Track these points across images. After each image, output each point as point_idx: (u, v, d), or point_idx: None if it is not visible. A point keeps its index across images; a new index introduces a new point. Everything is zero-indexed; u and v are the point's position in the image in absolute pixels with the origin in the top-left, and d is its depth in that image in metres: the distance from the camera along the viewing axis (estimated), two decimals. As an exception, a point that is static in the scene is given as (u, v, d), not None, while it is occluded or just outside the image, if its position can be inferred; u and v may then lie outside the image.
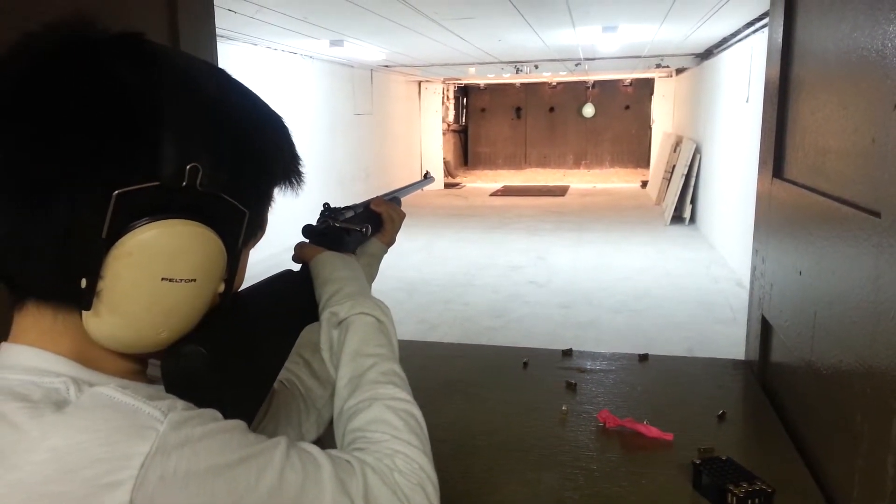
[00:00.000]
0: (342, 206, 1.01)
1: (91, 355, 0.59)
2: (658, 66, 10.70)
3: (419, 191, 1.43)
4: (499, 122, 16.97)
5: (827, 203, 1.23)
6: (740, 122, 6.62)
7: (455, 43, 7.54)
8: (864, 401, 1.01)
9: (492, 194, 13.12)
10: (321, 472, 0.57)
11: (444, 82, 14.19)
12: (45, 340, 0.58)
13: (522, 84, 15.94)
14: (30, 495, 0.48)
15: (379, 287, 0.98)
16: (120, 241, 0.54)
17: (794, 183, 1.48)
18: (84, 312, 0.56)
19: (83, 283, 0.54)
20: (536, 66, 10.58)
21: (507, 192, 13.50)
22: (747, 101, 6.32)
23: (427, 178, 1.46)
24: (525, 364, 1.74)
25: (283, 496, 0.54)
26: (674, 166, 9.86)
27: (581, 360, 1.77)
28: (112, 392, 0.53)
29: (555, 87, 16.17)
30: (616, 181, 14.79)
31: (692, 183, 9.13)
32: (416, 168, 13.38)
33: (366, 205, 1.05)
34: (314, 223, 0.97)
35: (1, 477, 0.48)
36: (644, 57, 9.47)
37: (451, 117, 15.67)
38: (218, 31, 1.67)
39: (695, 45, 8.10)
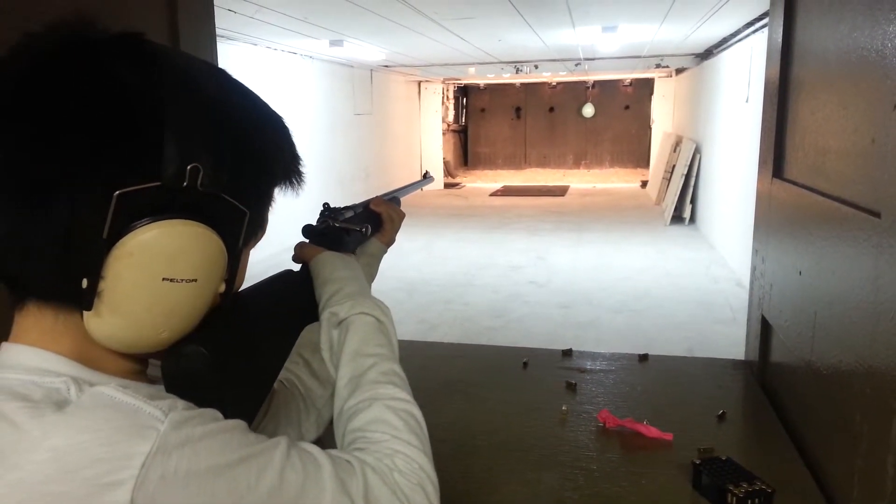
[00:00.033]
0: (342, 206, 1.01)
1: (92, 355, 0.59)
2: (658, 66, 10.71)
3: (419, 191, 1.43)
4: (498, 122, 16.97)
5: (827, 203, 1.23)
6: (740, 122, 6.62)
7: (455, 43, 7.54)
8: (864, 401, 1.01)
9: (492, 194, 13.12)
10: (321, 471, 0.57)
11: (443, 82, 14.19)
12: (45, 340, 0.58)
13: (522, 84, 15.95)
14: (30, 495, 0.48)
15: (379, 287, 0.98)
16: (121, 241, 0.54)
17: (794, 183, 1.48)
18: (85, 312, 0.56)
19: (84, 283, 0.54)
20: (536, 66, 10.58)
21: (506, 192, 13.50)
22: (747, 101, 6.32)
23: (426, 177, 1.46)
24: (525, 364, 1.74)
25: (283, 496, 0.55)
26: (674, 166, 9.86)
27: (581, 360, 1.77)
28: (113, 392, 0.53)
29: (555, 87, 16.17)
30: (616, 181, 14.79)
31: (692, 183, 9.14)
32: (415, 168, 13.38)
33: (365, 205, 1.05)
34: (314, 223, 0.97)
35: (1, 476, 0.48)
36: (644, 57, 9.47)
37: (450, 117, 15.67)
38: (218, 31, 1.67)
39: (695, 45, 8.10)
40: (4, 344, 0.60)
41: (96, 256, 0.54)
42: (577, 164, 16.60)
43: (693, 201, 9.15)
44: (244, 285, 0.73)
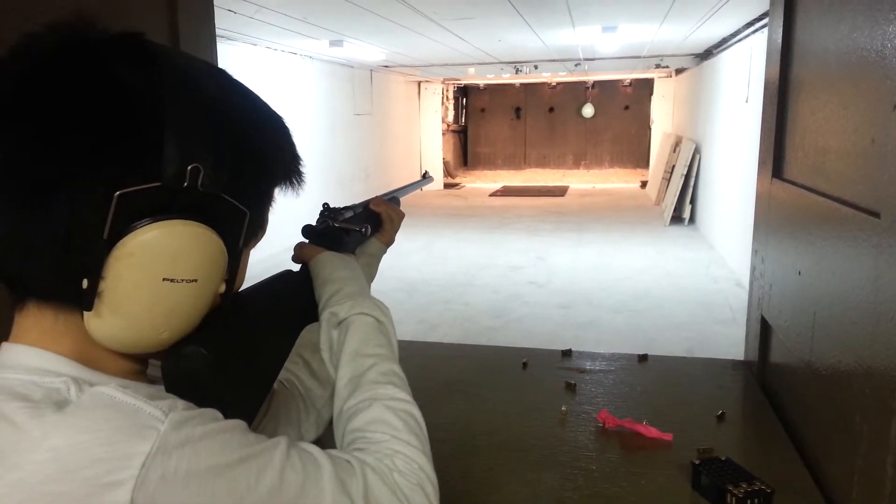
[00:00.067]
0: (341, 206, 1.01)
1: (92, 355, 0.59)
2: (658, 66, 10.71)
3: (418, 191, 1.43)
4: (498, 123, 16.97)
5: (826, 203, 1.23)
6: (740, 123, 6.62)
7: (455, 43, 7.54)
8: (864, 401, 1.01)
9: (491, 194, 13.12)
10: (321, 471, 0.57)
11: (443, 82, 14.19)
12: (46, 340, 0.58)
13: (522, 84, 15.95)
14: (31, 495, 0.48)
15: (379, 287, 0.98)
16: (121, 241, 0.54)
17: (794, 183, 1.48)
18: (85, 313, 0.56)
19: (84, 283, 0.54)
20: (536, 67, 10.58)
21: (506, 192, 13.50)
22: (747, 102, 6.32)
23: (426, 177, 1.46)
24: (525, 364, 1.74)
25: (283, 496, 0.55)
26: (673, 166, 9.86)
27: (581, 360, 1.77)
28: (113, 392, 0.53)
29: (554, 87, 16.18)
30: (615, 181, 14.80)
31: (692, 183, 9.14)
32: (415, 168, 13.38)
33: (365, 205, 1.05)
34: (313, 223, 0.97)
35: (1, 476, 0.48)
36: (644, 57, 9.47)
37: (450, 117, 15.67)
38: (218, 31, 1.67)
39: (694, 45, 8.10)
40: (4, 344, 0.60)
41: (97, 257, 0.54)
42: (576, 164, 16.61)
43: (693, 201, 9.15)
44: (244, 285, 0.73)
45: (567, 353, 1.80)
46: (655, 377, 1.67)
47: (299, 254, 0.90)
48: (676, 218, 9.25)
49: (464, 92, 16.47)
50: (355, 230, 0.97)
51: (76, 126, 0.53)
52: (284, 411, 0.87)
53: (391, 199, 1.13)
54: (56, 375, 0.55)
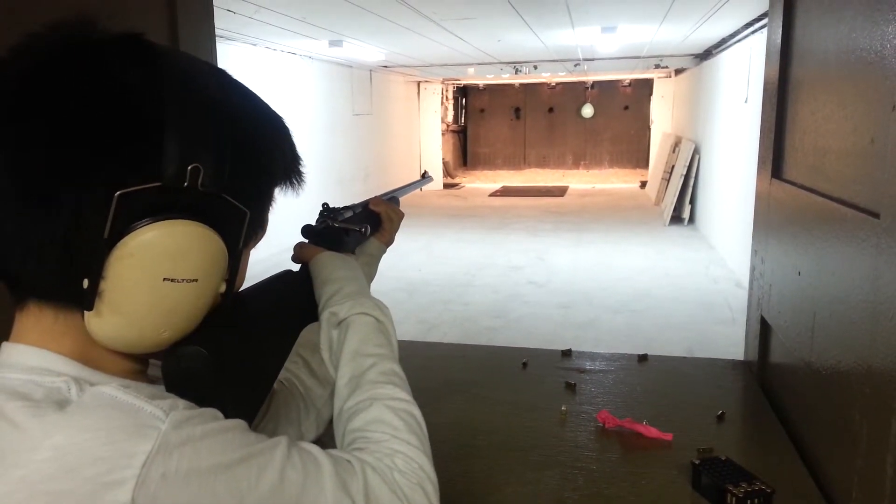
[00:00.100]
0: (341, 206, 1.01)
1: (93, 355, 0.59)
2: (657, 66, 10.71)
3: (418, 191, 1.43)
4: (498, 123, 16.97)
5: (826, 203, 1.23)
6: (739, 123, 6.62)
7: (454, 43, 7.54)
8: (864, 401, 1.01)
9: (491, 195, 13.13)
10: (322, 471, 0.57)
11: (443, 83, 14.20)
12: (46, 340, 0.58)
13: (521, 84, 15.95)
14: (32, 493, 0.48)
15: (379, 287, 0.98)
16: (122, 241, 0.54)
17: (794, 183, 1.48)
18: (86, 312, 0.56)
19: (85, 283, 0.54)
20: (535, 67, 10.59)
21: (506, 192, 13.50)
22: (746, 102, 6.33)
23: (425, 177, 1.46)
24: (525, 364, 1.75)
25: (283, 495, 0.55)
26: (673, 166, 9.87)
27: (580, 360, 1.77)
28: (114, 391, 0.53)
29: (554, 87, 16.18)
30: (615, 181, 14.80)
31: (691, 183, 9.14)
32: (415, 168, 13.38)
33: (364, 205, 1.05)
34: (313, 223, 0.97)
35: (3, 475, 0.48)
36: (643, 57, 9.47)
37: (450, 118, 15.67)
38: (217, 32, 1.67)
39: (694, 45, 8.11)
40: (5, 344, 0.60)
41: (97, 256, 0.54)
42: (576, 164, 16.61)
43: (692, 202, 9.15)
44: (244, 285, 0.73)
45: (567, 353, 1.80)
46: (655, 377, 1.67)
47: (299, 254, 0.90)
48: (676, 218, 9.25)
49: (463, 92, 16.48)
50: (355, 230, 0.97)
51: (77, 126, 0.53)
52: (284, 411, 0.87)
53: (391, 199, 1.13)
54: (57, 375, 0.56)
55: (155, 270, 0.56)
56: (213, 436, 0.53)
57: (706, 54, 8.82)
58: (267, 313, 0.75)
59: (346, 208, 1.01)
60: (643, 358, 1.78)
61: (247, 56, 7.02)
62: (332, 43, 7.08)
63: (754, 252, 1.75)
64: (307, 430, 0.88)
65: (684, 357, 1.92)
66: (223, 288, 0.63)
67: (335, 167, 9.20)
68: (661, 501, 1.15)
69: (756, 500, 1.09)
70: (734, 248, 6.54)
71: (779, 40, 1.59)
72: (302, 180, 0.72)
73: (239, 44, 6.82)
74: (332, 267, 0.85)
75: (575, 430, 1.40)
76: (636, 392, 1.58)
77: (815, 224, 1.29)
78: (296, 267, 0.90)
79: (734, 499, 1.09)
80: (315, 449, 0.60)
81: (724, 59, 7.76)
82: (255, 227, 0.67)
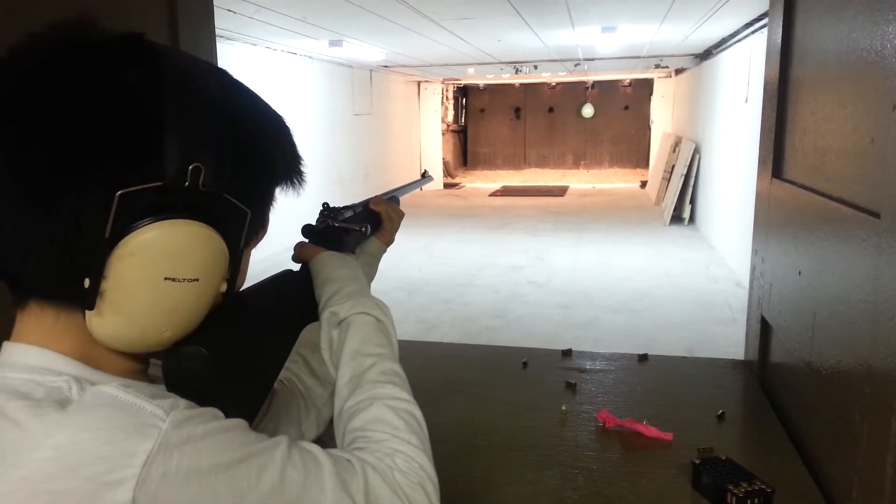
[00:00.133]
0: (341, 205, 1.01)
1: (94, 355, 0.59)
2: (657, 66, 10.71)
3: (418, 191, 1.43)
4: (498, 123, 16.97)
5: (826, 203, 1.23)
6: (739, 123, 6.62)
7: (454, 43, 7.54)
8: (864, 401, 1.01)
9: (491, 194, 13.13)
10: (322, 470, 0.57)
11: (443, 82, 14.20)
12: (47, 339, 0.58)
13: (522, 84, 15.95)
14: (33, 493, 0.48)
15: (379, 287, 0.98)
16: (123, 241, 0.54)
17: (794, 183, 1.48)
18: (87, 312, 0.56)
19: (86, 282, 0.54)
20: (536, 67, 10.58)
21: (506, 192, 13.50)
22: (746, 102, 6.32)
23: (425, 176, 1.46)
24: (525, 364, 1.75)
25: (284, 495, 0.55)
26: (673, 166, 9.87)
27: (581, 360, 1.77)
28: (114, 391, 0.53)
29: (554, 87, 16.18)
30: (615, 181, 14.80)
31: (691, 183, 9.14)
32: (415, 168, 13.38)
33: (365, 204, 1.05)
34: (313, 223, 0.97)
35: (4, 475, 0.48)
36: (643, 57, 9.47)
37: (450, 117, 15.67)
38: (217, 31, 1.67)
39: (694, 45, 8.11)
40: (6, 343, 0.60)
41: (98, 256, 0.54)
42: (576, 164, 16.61)
43: (692, 201, 9.15)
44: (245, 285, 0.73)
45: (567, 353, 1.80)
46: (655, 377, 1.67)
47: (299, 253, 0.90)
48: (676, 218, 9.25)
49: (463, 92, 16.48)
50: (355, 229, 0.97)
51: (77, 126, 0.53)
52: (285, 410, 0.87)
53: (391, 199, 1.13)
54: (57, 374, 0.56)
55: (156, 270, 0.56)
56: (214, 435, 0.53)
57: (706, 54, 8.81)
58: (267, 313, 0.75)
59: (346, 208, 1.01)
60: (643, 358, 1.78)
61: (247, 56, 7.02)
62: (333, 43, 7.08)
63: (754, 252, 1.75)
64: (307, 430, 0.88)
65: (684, 357, 1.92)
66: (224, 287, 0.63)
67: (335, 167, 9.20)
68: (661, 501, 1.15)
69: (756, 500, 1.09)
70: (734, 248, 6.54)
71: (779, 40, 1.59)
72: (303, 180, 0.72)
73: (239, 44, 6.82)
74: (332, 266, 0.85)
75: (575, 429, 1.40)
76: (636, 392, 1.59)
77: (815, 224, 1.29)
78: (296, 266, 0.90)
79: (734, 498, 1.09)
80: (315, 448, 0.60)
81: (724, 59, 7.76)
82: (256, 226, 0.67)
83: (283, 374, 0.90)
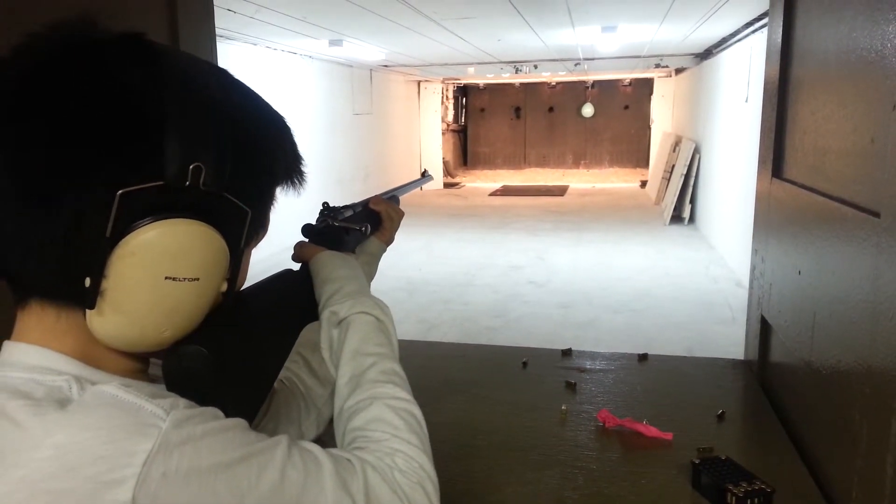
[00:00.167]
0: (341, 205, 1.01)
1: (94, 354, 0.59)
2: (657, 65, 10.71)
3: (418, 190, 1.43)
4: (498, 122, 16.97)
5: (826, 203, 1.23)
6: (739, 122, 6.62)
7: (454, 43, 7.54)
8: (864, 401, 1.01)
9: (491, 194, 13.13)
10: (322, 470, 0.57)
11: (443, 82, 14.19)
12: (48, 339, 0.58)
13: (522, 84, 15.95)
14: (33, 492, 0.48)
15: (379, 286, 0.98)
16: (123, 240, 0.54)
17: (794, 183, 1.48)
18: (88, 311, 0.56)
19: (87, 282, 0.54)
20: (536, 66, 10.58)
21: (506, 191, 13.50)
22: (746, 101, 6.32)
23: (425, 176, 1.46)
24: (525, 364, 1.75)
25: (284, 494, 0.55)
26: (673, 166, 9.87)
27: (580, 359, 1.77)
28: (115, 390, 0.53)
29: (554, 86, 16.17)
30: (615, 181, 14.80)
31: (691, 183, 9.14)
32: (415, 168, 13.37)
33: (365, 204, 1.05)
34: (313, 222, 0.97)
35: (4, 474, 0.48)
36: (643, 57, 9.47)
37: (450, 117, 15.67)
38: (217, 31, 1.67)
39: (694, 45, 8.11)
40: (6, 342, 0.60)
41: (99, 255, 0.54)
42: (576, 163, 16.61)
43: (692, 201, 9.15)
44: (245, 285, 0.73)
45: (567, 353, 1.80)
46: (655, 377, 1.67)
47: (299, 253, 0.90)
48: (676, 217, 9.25)
49: (463, 91, 16.47)
50: (355, 229, 0.97)
51: (77, 126, 0.53)
52: (285, 410, 0.87)
53: (391, 198, 1.13)
54: (58, 374, 0.56)
55: (157, 269, 0.56)
56: (214, 435, 0.53)
57: (706, 54, 8.81)
58: (268, 313, 0.75)
59: (346, 207, 1.01)
60: (643, 357, 1.78)
61: (247, 56, 7.02)
62: (333, 42, 7.08)
63: (754, 251, 1.75)
64: (307, 430, 0.89)
65: (684, 356, 1.92)
66: (224, 287, 0.63)
67: (335, 167, 9.20)
68: (661, 501, 1.15)
69: (756, 500, 1.09)
70: (734, 248, 6.54)
71: (779, 40, 1.59)
72: (303, 180, 0.72)
73: (239, 43, 6.82)
74: (332, 266, 0.85)
75: (575, 429, 1.40)
76: (636, 391, 1.59)
77: (815, 223, 1.29)
78: (296, 266, 0.90)
79: (734, 498, 1.09)
80: (315, 448, 0.60)
81: (724, 58, 7.76)
82: (257, 226, 0.67)
83: (283, 374, 0.90)
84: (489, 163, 16.93)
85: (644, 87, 14.86)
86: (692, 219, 9.14)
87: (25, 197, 0.54)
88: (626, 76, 14.75)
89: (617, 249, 7.64)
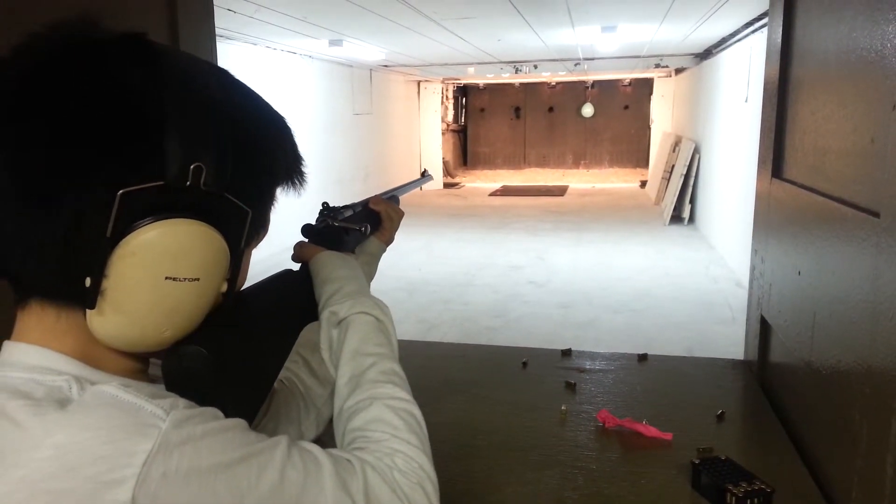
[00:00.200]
0: (341, 205, 1.01)
1: (94, 354, 0.59)
2: (657, 65, 10.71)
3: (418, 190, 1.43)
4: (498, 122, 16.97)
5: (826, 203, 1.24)
6: (739, 122, 6.62)
7: (454, 43, 7.54)
8: (863, 401, 1.01)
9: (491, 194, 13.13)
10: (322, 470, 0.57)
11: (443, 82, 14.19)
12: (48, 339, 0.58)
13: (521, 84, 15.95)
14: (33, 492, 0.48)
15: (379, 286, 0.98)
16: (124, 240, 0.54)
17: (794, 183, 1.48)
18: (88, 311, 0.56)
19: (87, 282, 0.54)
20: (535, 66, 10.58)
21: (506, 191, 13.50)
22: (746, 101, 6.32)
23: (425, 176, 1.46)
24: (524, 364, 1.75)
25: (284, 494, 0.55)
26: (673, 166, 9.87)
27: (580, 359, 1.77)
28: (115, 390, 0.53)
29: (554, 86, 16.18)
30: (615, 181, 14.80)
31: (691, 183, 9.14)
32: (415, 168, 13.37)
33: (364, 204, 1.05)
34: (313, 222, 0.97)
35: (4, 474, 0.48)
36: (643, 57, 9.47)
37: (450, 117, 15.67)
38: (217, 31, 1.67)
39: (694, 44, 8.11)
40: (7, 342, 0.60)
41: (99, 255, 0.54)
42: (576, 163, 16.61)
43: (692, 201, 9.15)
44: (245, 285, 0.73)
45: (567, 353, 1.80)
46: (655, 377, 1.67)
47: (299, 253, 0.90)
48: (676, 217, 9.25)
49: (463, 91, 16.47)
50: (355, 229, 0.97)
51: (77, 126, 0.53)
52: (285, 410, 0.87)
53: (390, 198, 1.13)
54: (58, 374, 0.56)
55: (157, 269, 0.56)
56: (214, 435, 0.53)
57: (706, 54, 8.81)
58: (267, 313, 0.75)
59: (345, 207, 1.01)
60: (643, 357, 1.78)
61: (247, 55, 7.03)
62: (333, 42, 7.08)
63: (754, 251, 1.75)
64: (307, 430, 0.88)
65: (684, 357, 1.92)
66: (225, 287, 0.63)
67: (335, 167, 9.20)
68: (660, 501, 1.15)
69: (756, 500, 1.09)
70: (734, 248, 6.54)
71: (779, 40, 1.59)
72: (303, 180, 0.72)
73: (239, 43, 6.82)
74: (331, 266, 0.85)
75: (575, 429, 1.40)
76: (636, 391, 1.59)
77: (815, 224, 1.29)
78: (296, 266, 0.90)
79: (734, 498, 1.09)
80: (315, 448, 0.60)
81: (724, 58, 7.76)
82: (257, 226, 0.67)
83: (283, 374, 0.90)
84: (489, 163, 16.93)
85: (644, 87, 14.86)
86: (692, 219, 9.14)
87: (25, 197, 0.54)
88: (626, 76, 14.75)
89: (617, 249, 7.64)
